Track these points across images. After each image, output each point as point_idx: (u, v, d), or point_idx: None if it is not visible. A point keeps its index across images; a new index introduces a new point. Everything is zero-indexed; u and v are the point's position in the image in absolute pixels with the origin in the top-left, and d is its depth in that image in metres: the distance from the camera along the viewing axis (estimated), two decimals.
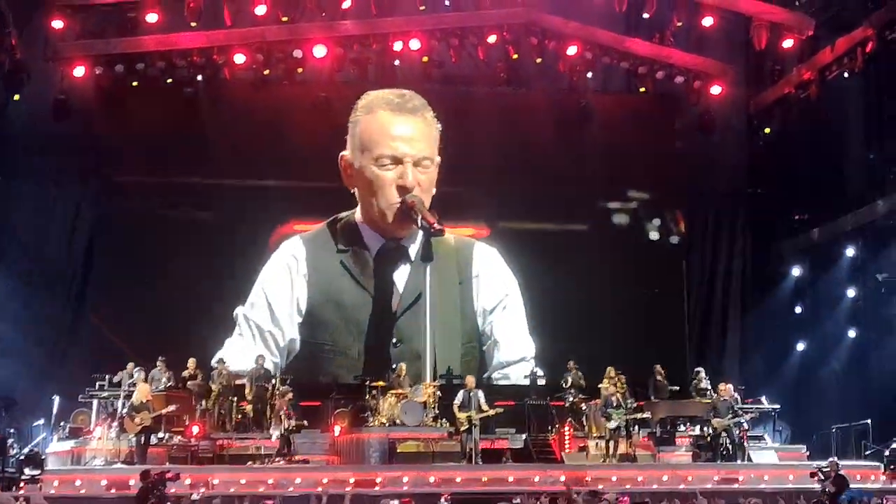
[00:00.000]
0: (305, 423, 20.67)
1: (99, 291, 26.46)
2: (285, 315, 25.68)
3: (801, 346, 27.84)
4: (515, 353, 26.25)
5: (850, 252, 26.80)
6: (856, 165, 26.93)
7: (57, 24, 25.39)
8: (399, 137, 25.43)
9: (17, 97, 25.47)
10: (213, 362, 22.94)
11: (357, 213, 26.17)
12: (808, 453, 22.49)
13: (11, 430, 22.21)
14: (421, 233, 25.40)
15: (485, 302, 26.66)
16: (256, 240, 26.63)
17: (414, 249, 25.97)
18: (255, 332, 25.39)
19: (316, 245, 26.25)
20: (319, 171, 26.35)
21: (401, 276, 25.98)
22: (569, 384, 23.33)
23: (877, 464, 21.28)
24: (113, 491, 17.69)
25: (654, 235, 29.29)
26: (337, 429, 21.10)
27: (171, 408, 20.85)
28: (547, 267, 27.15)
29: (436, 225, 24.38)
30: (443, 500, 10.98)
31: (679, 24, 27.19)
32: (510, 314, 26.70)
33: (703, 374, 23.93)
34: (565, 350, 24.50)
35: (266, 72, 27.14)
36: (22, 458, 20.15)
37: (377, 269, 25.95)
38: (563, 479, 18.71)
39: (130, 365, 22.45)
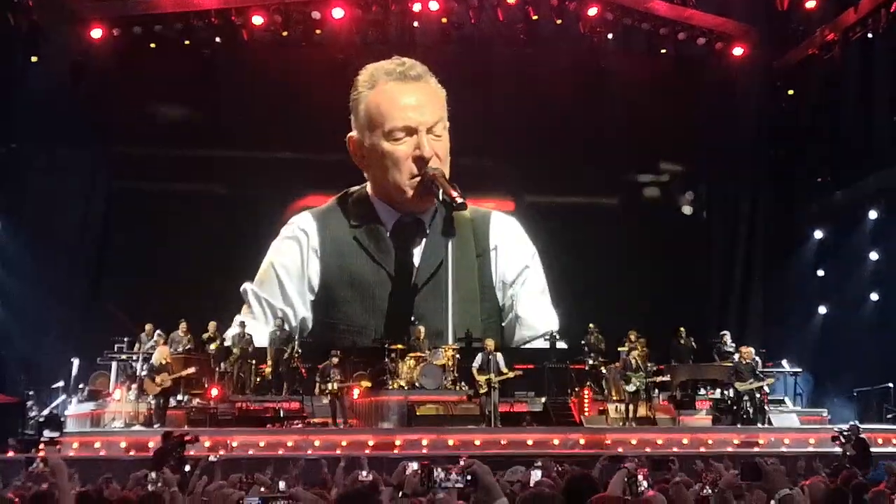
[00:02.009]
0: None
1: (115, 258, 26.17)
2: (296, 293, 25.18)
3: (823, 310, 27.63)
4: (538, 328, 25.64)
5: (872, 214, 26.48)
6: (879, 127, 26.56)
7: None
8: (408, 107, 24.65)
9: (34, 59, 25.27)
10: (234, 325, 22.86)
11: (369, 187, 25.53)
12: (829, 417, 22.45)
13: (31, 393, 22.33)
14: (437, 205, 24.71)
15: (504, 274, 26.05)
16: (273, 212, 26.20)
17: (430, 222, 25.44)
18: (266, 309, 24.80)
19: (327, 221, 25.63)
20: (337, 142, 25.45)
21: (417, 250, 25.45)
22: (587, 347, 23.24)
23: None
24: (132, 452, 17.78)
25: (686, 210, 29.03)
26: (356, 391, 21.11)
27: (191, 370, 20.94)
28: (575, 241, 26.53)
29: (458, 199, 23.41)
30: (462, 462, 10.93)
31: None
32: (531, 287, 26.15)
33: (728, 338, 23.75)
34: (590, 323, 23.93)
35: (284, 33, 26.80)
36: (41, 420, 20.27)
37: (394, 245, 25.36)
38: (582, 441, 18.75)
39: (149, 326, 22.33)
